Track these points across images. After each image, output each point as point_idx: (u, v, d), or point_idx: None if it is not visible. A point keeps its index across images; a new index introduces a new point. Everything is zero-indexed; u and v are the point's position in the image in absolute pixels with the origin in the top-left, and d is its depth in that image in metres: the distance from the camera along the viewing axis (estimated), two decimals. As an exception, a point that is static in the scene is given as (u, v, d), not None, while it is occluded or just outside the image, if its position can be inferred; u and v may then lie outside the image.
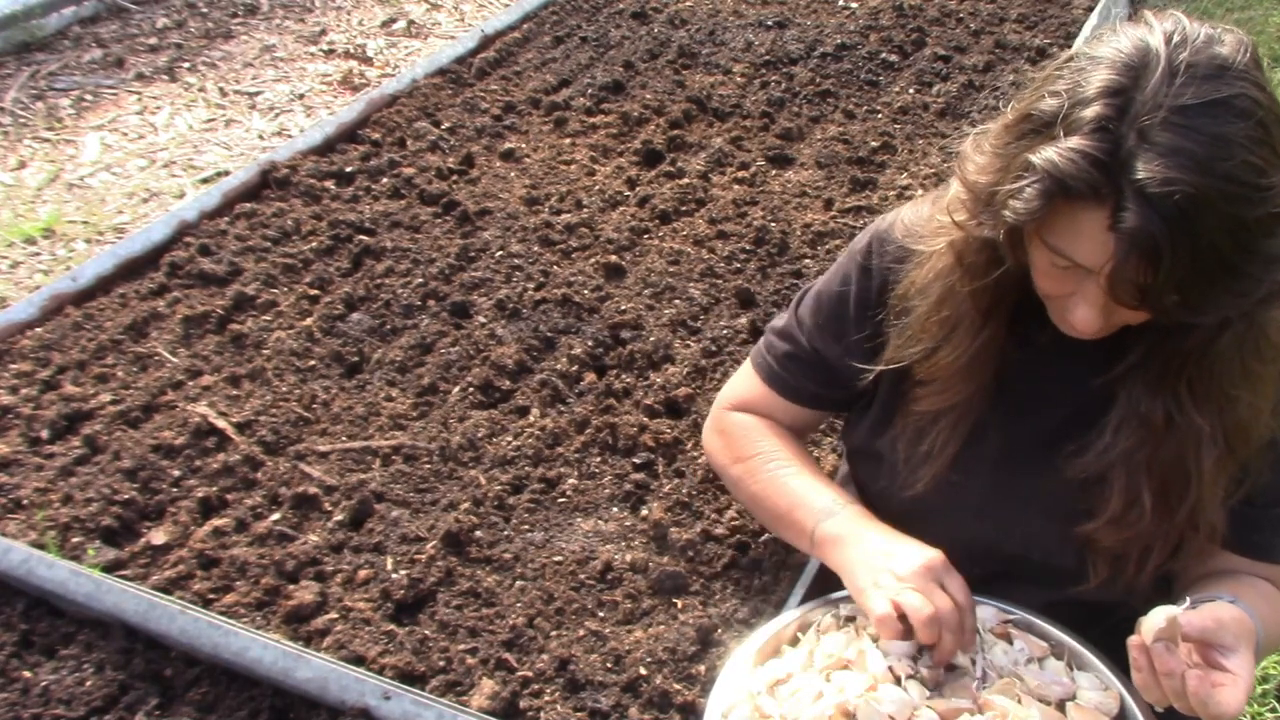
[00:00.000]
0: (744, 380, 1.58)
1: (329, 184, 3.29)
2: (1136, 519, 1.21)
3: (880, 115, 3.69)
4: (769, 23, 4.36)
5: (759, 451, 1.49)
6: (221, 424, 2.39)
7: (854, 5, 4.51)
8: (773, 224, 3.08)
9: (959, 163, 1.16)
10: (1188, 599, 1.11)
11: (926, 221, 1.30)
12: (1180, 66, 0.97)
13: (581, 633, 1.94)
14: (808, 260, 2.96)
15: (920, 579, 1.20)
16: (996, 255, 1.16)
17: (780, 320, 1.57)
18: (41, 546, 2.06)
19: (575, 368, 2.58)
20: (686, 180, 3.29)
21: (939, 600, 1.19)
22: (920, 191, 1.40)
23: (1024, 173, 1.03)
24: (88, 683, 1.83)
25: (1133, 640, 1.11)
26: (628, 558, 2.08)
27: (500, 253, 3.00)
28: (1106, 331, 1.11)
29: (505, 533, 2.16)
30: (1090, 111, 0.99)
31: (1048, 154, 1.00)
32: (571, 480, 2.29)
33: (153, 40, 4.57)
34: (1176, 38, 0.99)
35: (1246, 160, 0.95)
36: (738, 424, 1.55)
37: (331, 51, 4.53)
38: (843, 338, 1.41)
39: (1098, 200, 0.99)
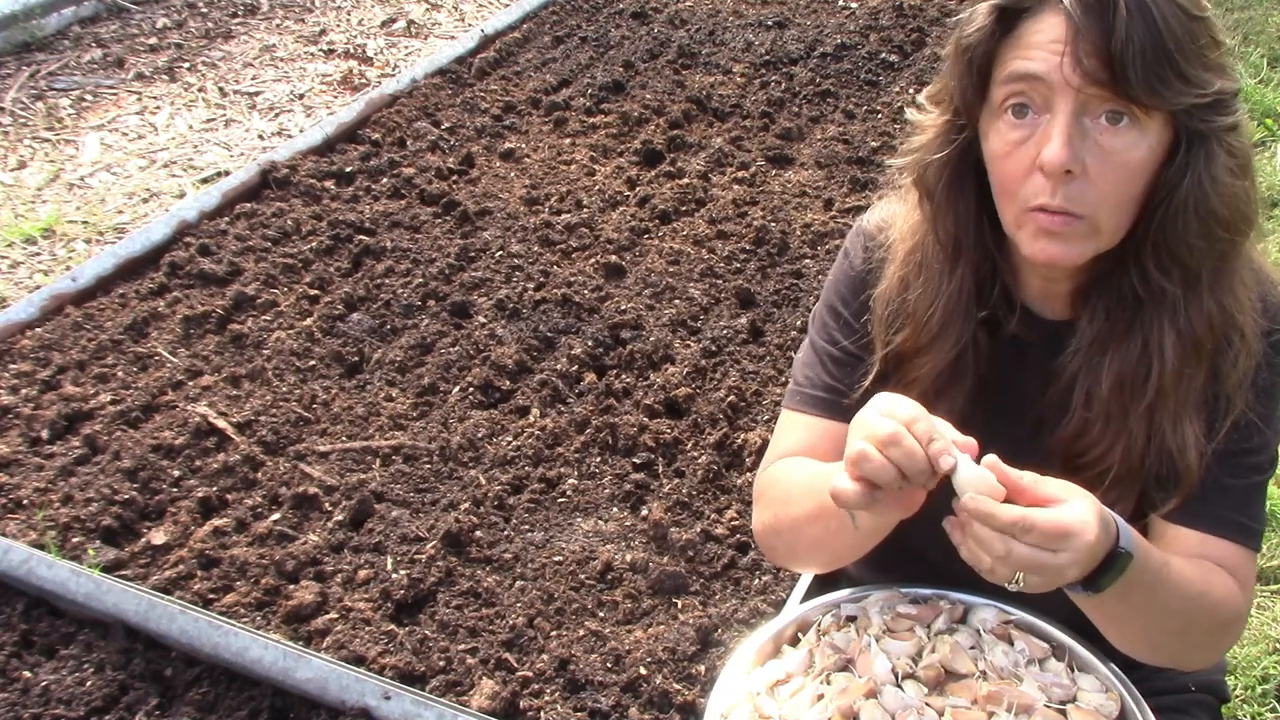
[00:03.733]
0: (777, 432, 1.44)
1: (329, 184, 3.29)
2: (1094, 419, 1.21)
3: (880, 115, 3.69)
4: (769, 23, 4.36)
5: (782, 481, 1.36)
6: (221, 424, 2.39)
7: (854, 5, 4.51)
8: (773, 224, 3.08)
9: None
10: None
11: (898, 214, 1.32)
12: None
13: (581, 633, 1.94)
14: (808, 260, 2.95)
15: (851, 451, 1.06)
16: (957, 175, 1.21)
17: (797, 357, 1.53)
18: (41, 546, 2.06)
19: (575, 368, 2.58)
20: (686, 180, 3.29)
21: (858, 451, 1.03)
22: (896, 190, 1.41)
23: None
24: (88, 683, 1.83)
25: (950, 520, 1.04)
26: (628, 558, 2.08)
27: (500, 253, 3.00)
28: (1073, 167, 1.09)
29: (505, 533, 2.16)
30: None
31: None
32: (571, 480, 2.29)
33: (153, 40, 4.56)
34: None
35: None
36: (767, 481, 1.40)
37: (331, 51, 4.53)
38: (850, 334, 1.40)
39: (1041, 3, 1.08)
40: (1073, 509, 1.01)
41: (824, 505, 1.22)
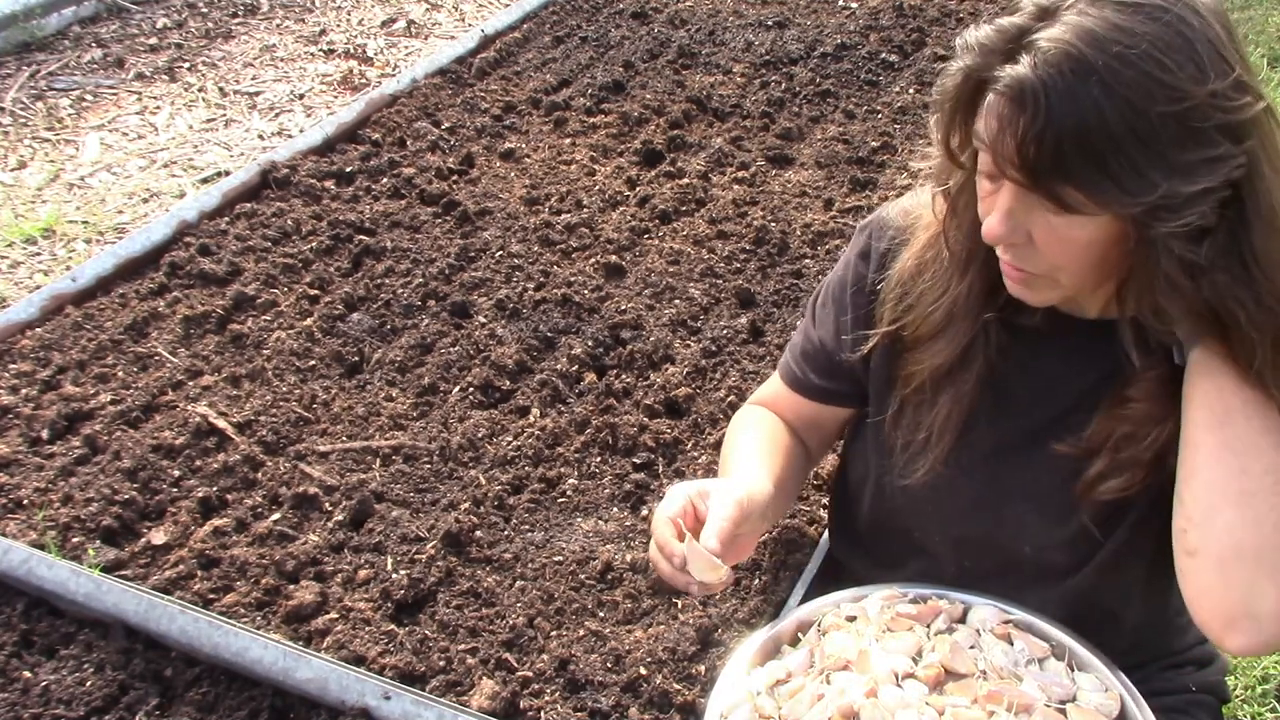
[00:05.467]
0: (768, 381, 1.63)
1: (329, 184, 3.29)
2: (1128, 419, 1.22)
3: (880, 115, 3.69)
4: (769, 23, 4.36)
5: (737, 431, 1.55)
6: (221, 424, 2.38)
7: (854, 5, 4.51)
8: (773, 224, 3.08)
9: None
10: None
11: (926, 204, 1.31)
12: None
13: (581, 633, 1.94)
14: (808, 260, 2.96)
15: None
16: (969, 191, 1.19)
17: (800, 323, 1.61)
18: (41, 546, 2.06)
19: (575, 368, 2.58)
20: (686, 180, 3.29)
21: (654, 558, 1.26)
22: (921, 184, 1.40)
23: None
24: (88, 683, 1.83)
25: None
26: (628, 558, 2.09)
27: (500, 253, 3.00)
28: (1012, 239, 1.09)
29: (505, 533, 2.16)
30: (1021, 4, 1.05)
31: (970, 33, 1.06)
32: (571, 480, 2.29)
33: (153, 40, 4.56)
34: None
35: (1153, 55, 0.96)
36: (743, 414, 1.59)
37: (331, 51, 4.53)
38: (841, 318, 1.43)
39: (1000, 76, 1.03)
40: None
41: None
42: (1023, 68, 0.99)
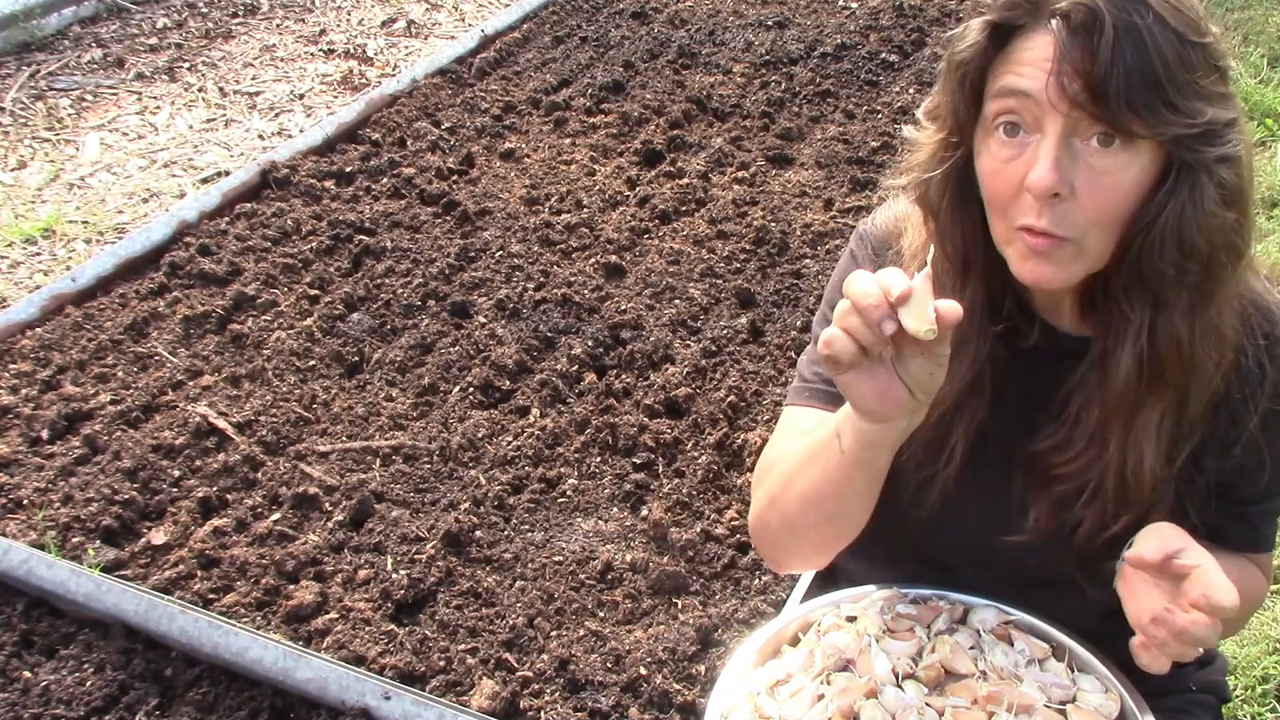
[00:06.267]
0: (779, 427, 1.45)
1: (329, 184, 3.29)
2: (1078, 436, 1.22)
3: (880, 115, 3.69)
4: (769, 23, 4.36)
5: (775, 455, 1.38)
6: (221, 424, 2.39)
7: (854, 5, 4.51)
8: (773, 224, 3.08)
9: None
10: (1125, 551, 1.16)
11: (912, 224, 1.30)
12: None
13: (581, 633, 1.94)
14: (808, 260, 2.95)
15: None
16: (959, 191, 1.20)
17: (801, 357, 1.54)
18: (41, 546, 2.06)
19: (575, 368, 2.58)
20: (686, 180, 3.29)
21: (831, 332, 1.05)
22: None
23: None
24: (88, 683, 1.83)
25: (1136, 641, 1.13)
26: (628, 558, 2.09)
27: (500, 253, 3.00)
28: (1060, 190, 1.09)
29: (505, 533, 2.16)
30: None
31: None
32: (571, 480, 2.29)
33: (153, 40, 4.57)
34: None
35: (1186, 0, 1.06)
36: (763, 465, 1.41)
37: (331, 51, 4.53)
38: None
39: (1034, 20, 1.07)
40: (1197, 554, 1.09)
41: (813, 449, 1.26)
42: None
